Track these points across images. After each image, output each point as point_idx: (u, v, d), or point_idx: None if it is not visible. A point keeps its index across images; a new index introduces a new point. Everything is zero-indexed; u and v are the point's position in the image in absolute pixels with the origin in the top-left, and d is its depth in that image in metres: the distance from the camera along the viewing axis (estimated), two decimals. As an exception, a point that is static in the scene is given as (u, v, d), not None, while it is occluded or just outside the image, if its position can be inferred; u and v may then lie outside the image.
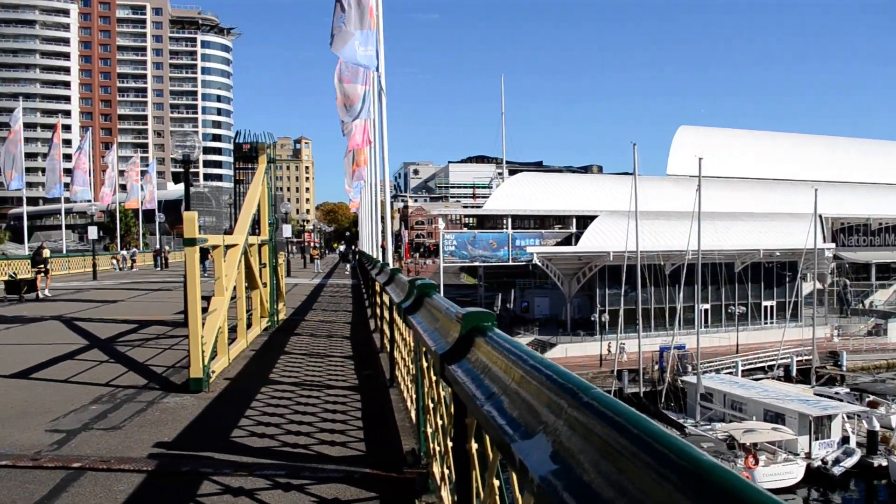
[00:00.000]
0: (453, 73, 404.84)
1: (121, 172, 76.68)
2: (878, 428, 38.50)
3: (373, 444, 6.69)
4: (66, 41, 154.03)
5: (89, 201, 64.96)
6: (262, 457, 6.22)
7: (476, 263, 73.28)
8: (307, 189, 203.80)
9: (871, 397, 44.13)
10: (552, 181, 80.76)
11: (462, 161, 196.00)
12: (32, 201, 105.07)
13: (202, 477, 5.65)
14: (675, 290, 56.03)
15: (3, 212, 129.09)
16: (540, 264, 61.43)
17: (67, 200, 57.25)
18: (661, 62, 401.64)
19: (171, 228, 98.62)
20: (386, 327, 10.73)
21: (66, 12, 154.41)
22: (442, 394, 4.42)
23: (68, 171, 54.32)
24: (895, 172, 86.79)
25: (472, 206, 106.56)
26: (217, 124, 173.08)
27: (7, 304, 23.42)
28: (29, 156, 68.88)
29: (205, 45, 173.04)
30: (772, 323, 65.58)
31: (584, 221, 68.29)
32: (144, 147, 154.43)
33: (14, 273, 28.65)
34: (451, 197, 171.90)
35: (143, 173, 71.59)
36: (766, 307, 66.93)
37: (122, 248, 65.65)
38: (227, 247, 11.60)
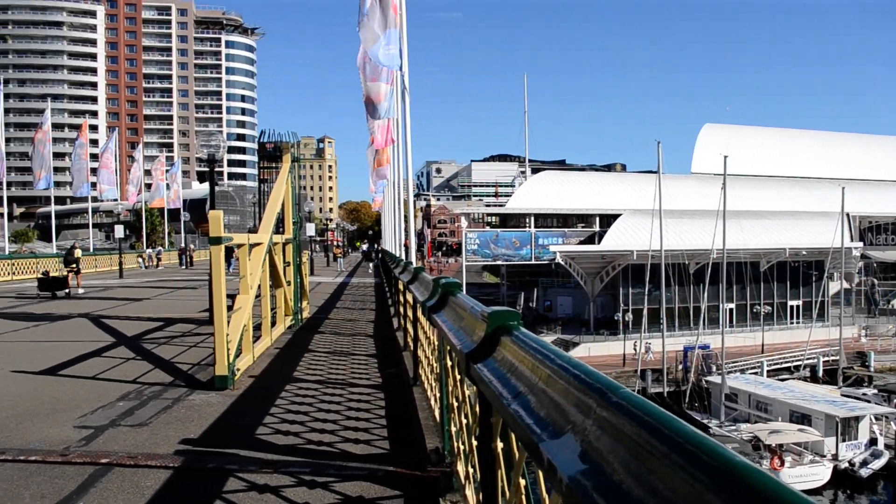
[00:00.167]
0: (476, 71, 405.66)
1: (146, 172, 77.44)
2: (906, 430, 38.01)
3: (396, 442, 6.70)
4: (92, 42, 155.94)
5: (116, 200, 65.84)
6: (286, 454, 6.25)
7: (499, 262, 73.24)
8: (330, 188, 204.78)
9: (900, 398, 43.56)
10: (575, 179, 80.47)
11: (484, 160, 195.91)
12: (60, 200, 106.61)
13: (228, 474, 5.69)
14: (699, 289, 55.56)
15: (31, 211, 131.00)
16: (563, 263, 61.20)
17: (94, 199, 58.06)
18: (686, 61, 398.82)
19: (195, 227, 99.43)
20: (409, 326, 10.75)
21: (92, 14, 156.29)
22: (466, 392, 4.42)
23: (95, 171, 55.02)
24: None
25: (495, 205, 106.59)
26: (241, 124, 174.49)
27: (39, 301, 23.77)
28: (57, 155, 69.83)
29: (229, 45, 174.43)
30: (798, 323, 64.75)
31: (608, 220, 68.00)
32: (170, 146, 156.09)
33: (47, 271, 29.23)
34: (474, 196, 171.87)
35: (168, 172, 72.28)
36: (792, 307, 66.12)
37: (147, 247, 66.38)
38: (252, 245, 11.66)
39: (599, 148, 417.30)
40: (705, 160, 75.74)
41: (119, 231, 46.39)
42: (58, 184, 56.91)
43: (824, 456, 35.55)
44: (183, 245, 64.30)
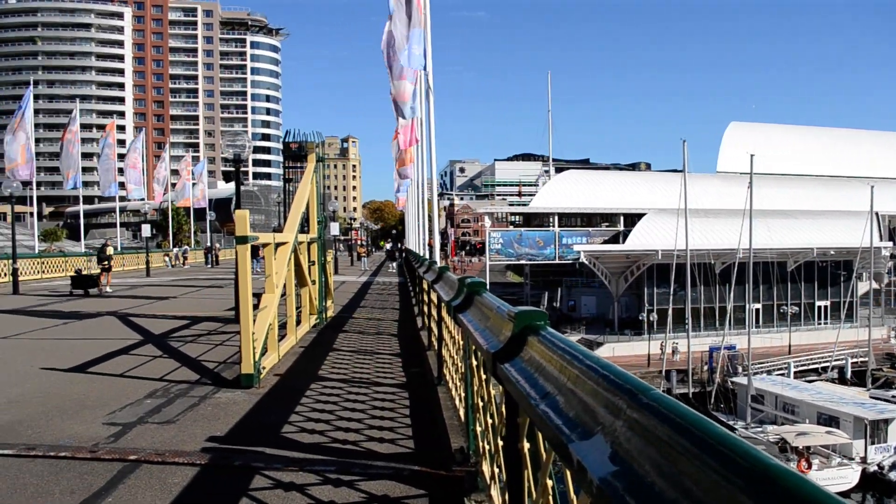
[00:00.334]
0: (499, 70, 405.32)
1: (173, 171, 78.29)
2: (937, 433, 37.35)
3: (421, 441, 6.71)
4: (120, 44, 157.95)
5: (142, 200, 66.45)
6: (311, 452, 6.28)
7: (522, 262, 73.09)
8: (354, 187, 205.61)
9: (931, 401, 42.82)
10: (599, 179, 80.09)
11: (508, 159, 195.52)
12: (88, 200, 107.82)
13: (254, 471, 5.74)
14: (725, 289, 55.10)
15: (60, 210, 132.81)
16: (587, 263, 60.96)
17: (122, 199, 58.77)
18: (712, 59, 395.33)
19: (221, 226, 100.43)
20: (434, 325, 10.75)
21: (120, 15, 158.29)
22: (492, 392, 4.41)
23: (122, 171, 55.68)
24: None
25: (519, 204, 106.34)
26: (266, 124, 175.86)
27: (69, 299, 24.12)
28: (85, 156, 70.66)
29: (254, 45, 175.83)
30: (826, 323, 63.83)
31: (632, 219, 67.65)
32: (196, 147, 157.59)
33: (80, 269, 29.79)
34: (497, 195, 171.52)
35: (193, 172, 72.96)
36: (819, 307, 65.23)
37: (174, 246, 67.06)
38: (278, 245, 11.72)
39: (624, 147, 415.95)
40: (731, 159, 75.14)
41: (146, 230, 46.94)
42: (86, 183, 57.51)
43: (852, 459, 35.08)
44: (209, 244, 64.89)
